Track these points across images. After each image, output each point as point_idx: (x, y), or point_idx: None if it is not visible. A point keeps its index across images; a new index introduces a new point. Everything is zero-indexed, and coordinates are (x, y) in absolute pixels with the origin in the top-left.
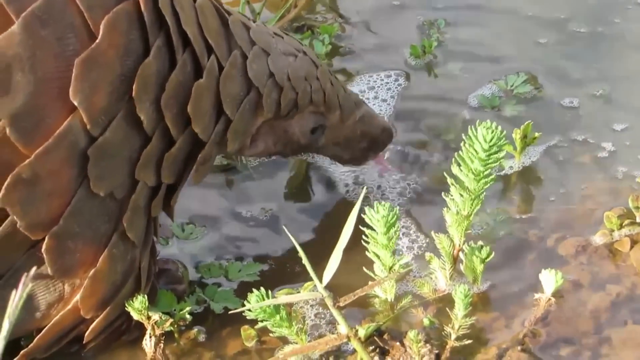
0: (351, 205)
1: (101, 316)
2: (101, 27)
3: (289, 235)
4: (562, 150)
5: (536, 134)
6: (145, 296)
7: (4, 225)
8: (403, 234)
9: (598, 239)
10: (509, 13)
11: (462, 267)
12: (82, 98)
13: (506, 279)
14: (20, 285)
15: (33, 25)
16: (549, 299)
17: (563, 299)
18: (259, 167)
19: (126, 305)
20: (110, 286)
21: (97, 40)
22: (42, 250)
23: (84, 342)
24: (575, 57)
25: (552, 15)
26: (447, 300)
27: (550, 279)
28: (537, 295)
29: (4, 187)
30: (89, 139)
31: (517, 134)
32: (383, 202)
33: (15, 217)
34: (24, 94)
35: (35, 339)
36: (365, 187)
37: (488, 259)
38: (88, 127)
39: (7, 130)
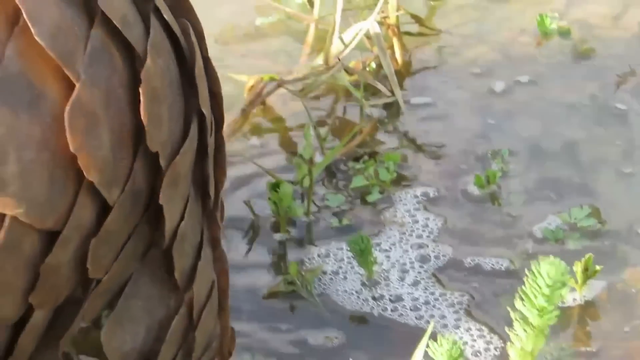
0: (420, 330)
1: None
2: None
3: None
4: (624, 285)
5: (597, 267)
6: None
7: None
8: (477, 336)
9: None
10: (570, 143)
11: None
12: None
13: None
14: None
15: None
16: None
17: None
18: (322, 294)
19: None
20: None
21: None
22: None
23: None
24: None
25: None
26: None
27: None
28: None
29: None
30: None
31: (578, 267)
32: (447, 336)
33: None
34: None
35: None
36: (432, 322)
37: None
38: None
39: None
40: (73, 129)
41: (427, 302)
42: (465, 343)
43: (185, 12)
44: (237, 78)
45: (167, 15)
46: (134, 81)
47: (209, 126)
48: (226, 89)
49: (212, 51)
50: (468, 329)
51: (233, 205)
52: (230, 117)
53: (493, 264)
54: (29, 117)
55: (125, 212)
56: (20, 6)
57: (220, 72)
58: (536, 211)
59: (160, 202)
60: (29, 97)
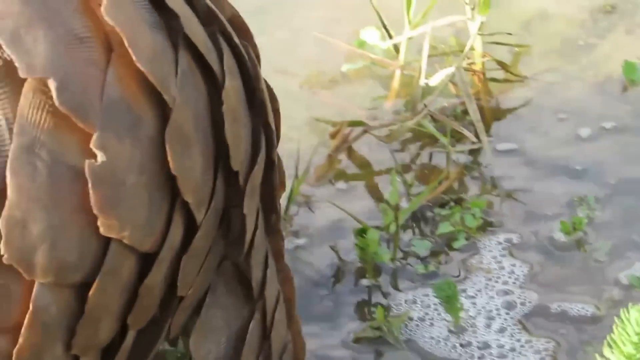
0: None
1: None
2: None
3: None
4: None
5: None
6: None
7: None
8: None
9: None
10: None
11: None
12: None
13: None
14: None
15: None
16: None
17: None
18: (409, 340)
19: None
20: None
21: None
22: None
23: None
24: None
25: None
26: None
27: None
28: None
29: None
30: None
31: None
32: None
33: None
34: None
35: None
36: None
37: None
38: None
39: None
40: (173, 151)
41: (513, 349)
42: None
43: (243, 33)
44: (323, 123)
45: (234, 37)
46: (211, 103)
47: (274, 141)
48: (312, 135)
49: (298, 96)
50: None
51: (319, 250)
52: (316, 162)
53: (579, 310)
54: (131, 142)
55: (209, 229)
56: (120, 33)
57: (306, 117)
58: (623, 258)
59: (245, 212)
60: (129, 121)
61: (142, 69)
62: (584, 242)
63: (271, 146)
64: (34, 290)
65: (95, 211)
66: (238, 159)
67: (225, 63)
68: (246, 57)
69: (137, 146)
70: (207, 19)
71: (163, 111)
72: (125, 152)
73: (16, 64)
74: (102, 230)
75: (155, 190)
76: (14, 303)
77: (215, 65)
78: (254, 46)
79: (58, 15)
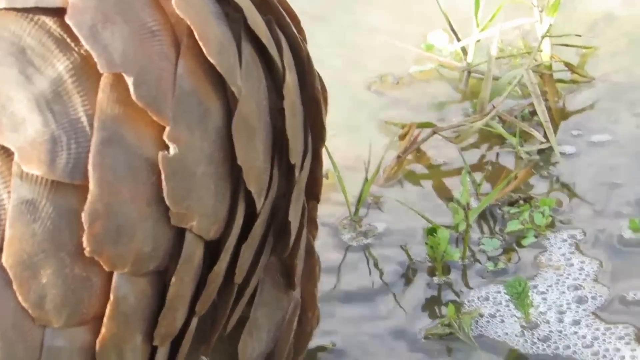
0: None
1: None
2: None
3: None
4: None
5: None
6: None
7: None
8: None
9: None
10: None
11: None
12: None
13: None
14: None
15: None
16: None
17: None
18: (481, 336)
19: None
20: None
21: None
22: None
23: None
24: None
25: None
26: None
27: None
28: None
29: None
30: None
31: None
32: None
33: None
34: None
35: None
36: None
37: None
38: None
39: None
40: (239, 142)
41: (595, 338)
42: None
43: (295, 25)
44: (392, 125)
45: (291, 27)
46: (270, 94)
47: (324, 135)
48: (381, 136)
49: (367, 98)
50: None
51: (390, 249)
52: (385, 163)
53: None
54: (200, 133)
55: (265, 218)
56: (192, 26)
57: (375, 119)
58: None
59: (290, 211)
60: (199, 113)
61: (212, 61)
62: None
63: (320, 140)
64: (114, 280)
65: (167, 202)
66: (296, 152)
67: (285, 56)
68: (303, 49)
69: (206, 137)
70: (263, 7)
71: (227, 102)
72: (195, 144)
73: (95, 59)
74: (172, 220)
75: (220, 180)
76: (95, 295)
77: (276, 58)
78: (305, 38)
79: (131, 9)
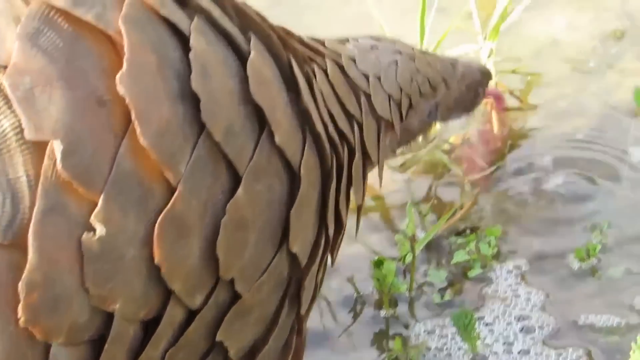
0: None
1: None
2: None
3: None
4: None
5: None
6: None
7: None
8: None
9: None
10: None
11: None
12: None
13: None
14: None
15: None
16: None
17: None
18: None
19: None
20: None
21: None
22: None
23: None
24: None
25: None
26: None
27: None
28: None
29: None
30: None
31: None
32: None
33: None
34: None
35: None
36: None
37: None
38: None
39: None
40: (160, 239)
41: None
42: None
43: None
44: None
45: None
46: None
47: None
48: None
49: None
50: None
51: (336, 282)
52: None
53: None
54: (136, 215)
55: (206, 323)
56: (129, 104)
57: None
58: (636, 282)
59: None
60: (138, 194)
61: (144, 142)
62: (597, 268)
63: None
64: (51, 351)
65: (86, 284)
66: (301, 244)
67: (304, 164)
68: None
69: (142, 219)
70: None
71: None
72: (128, 226)
73: (23, 124)
74: (91, 301)
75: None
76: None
77: (295, 160)
78: None
79: (82, 75)
